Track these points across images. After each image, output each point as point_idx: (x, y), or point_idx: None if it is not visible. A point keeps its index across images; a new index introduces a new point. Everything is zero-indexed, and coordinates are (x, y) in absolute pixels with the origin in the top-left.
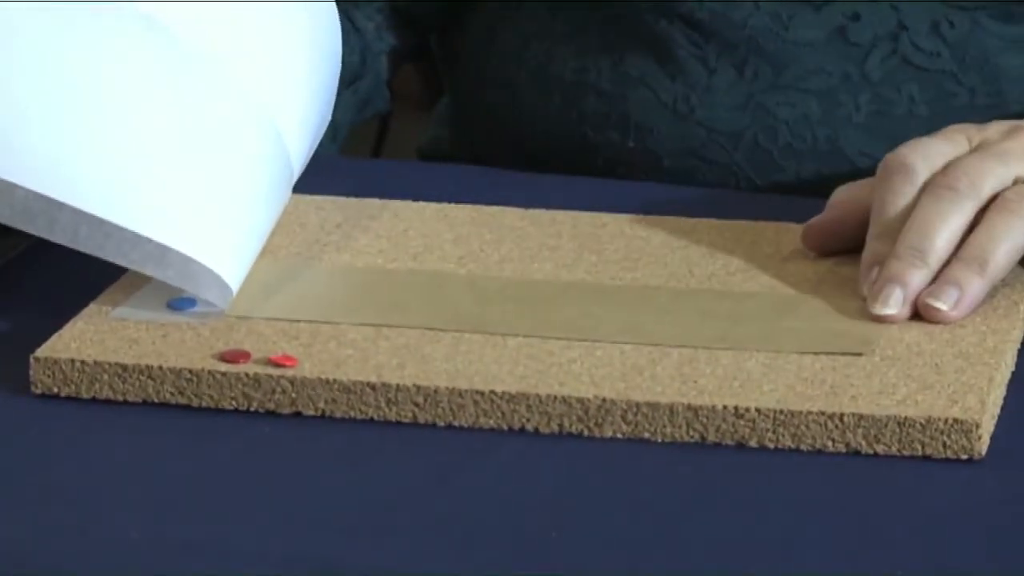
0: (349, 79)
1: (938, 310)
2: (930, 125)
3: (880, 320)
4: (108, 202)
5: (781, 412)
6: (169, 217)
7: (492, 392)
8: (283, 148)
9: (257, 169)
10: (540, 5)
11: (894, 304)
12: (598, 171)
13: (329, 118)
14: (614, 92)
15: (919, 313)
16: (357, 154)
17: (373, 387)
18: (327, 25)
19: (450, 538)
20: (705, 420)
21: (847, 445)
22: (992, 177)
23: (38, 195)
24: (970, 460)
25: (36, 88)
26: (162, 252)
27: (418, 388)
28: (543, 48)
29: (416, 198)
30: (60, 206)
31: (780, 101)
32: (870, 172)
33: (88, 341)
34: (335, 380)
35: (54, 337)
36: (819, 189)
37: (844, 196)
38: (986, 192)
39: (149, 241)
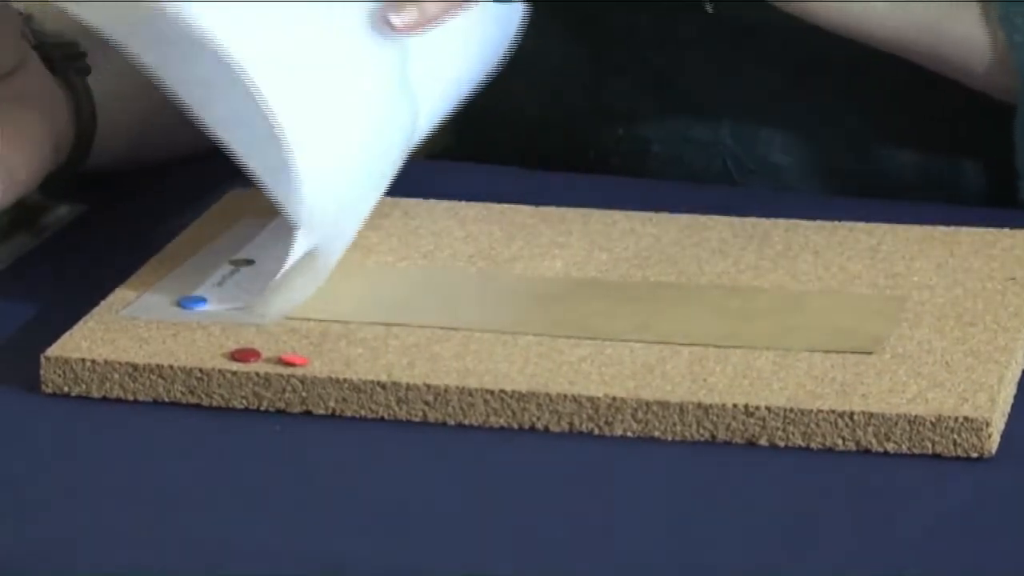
0: None
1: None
2: None
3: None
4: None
5: (791, 410)
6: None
7: (502, 391)
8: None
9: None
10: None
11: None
12: (590, 164)
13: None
14: (596, 83)
15: (926, 313)
16: None
17: (383, 386)
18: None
19: (459, 537)
20: (715, 419)
21: (857, 443)
22: None
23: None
24: (980, 458)
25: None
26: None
27: (428, 387)
28: (528, 45)
29: (426, 196)
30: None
31: (756, 76)
32: None
33: (98, 340)
34: (345, 379)
35: (64, 336)
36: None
37: None
38: None
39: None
